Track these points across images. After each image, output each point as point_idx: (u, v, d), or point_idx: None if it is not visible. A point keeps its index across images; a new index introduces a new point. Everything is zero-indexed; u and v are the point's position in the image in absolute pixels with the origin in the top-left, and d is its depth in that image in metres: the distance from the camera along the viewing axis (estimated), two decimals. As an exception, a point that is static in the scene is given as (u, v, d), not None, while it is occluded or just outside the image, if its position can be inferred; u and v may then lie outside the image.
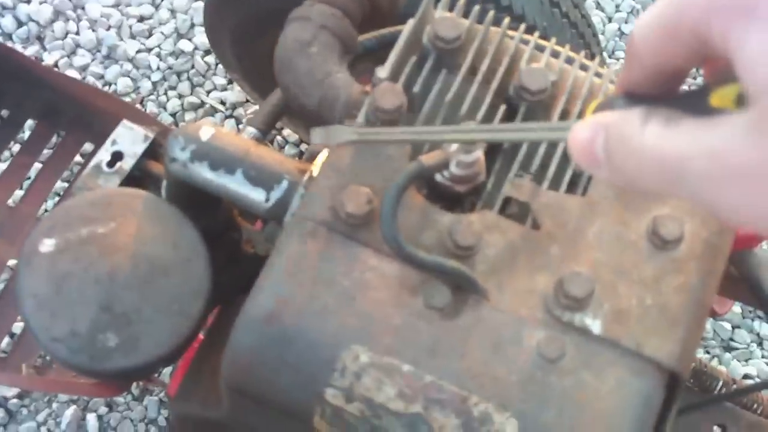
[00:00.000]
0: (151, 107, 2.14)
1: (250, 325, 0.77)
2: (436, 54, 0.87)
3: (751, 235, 0.93)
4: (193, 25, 2.23)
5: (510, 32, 0.91)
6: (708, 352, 2.07)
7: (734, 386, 1.32)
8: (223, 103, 2.16)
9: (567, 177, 0.83)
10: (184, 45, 2.20)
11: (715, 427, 1.39)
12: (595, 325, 0.77)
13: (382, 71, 0.85)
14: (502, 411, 0.75)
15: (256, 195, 0.88)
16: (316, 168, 0.84)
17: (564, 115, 0.86)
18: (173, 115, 2.14)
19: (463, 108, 0.84)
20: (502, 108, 0.85)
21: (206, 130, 0.89)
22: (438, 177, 0.81)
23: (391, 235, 0.75)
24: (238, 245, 1.03)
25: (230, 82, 2.16)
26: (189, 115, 2.13)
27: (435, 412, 0.75)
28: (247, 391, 0.79)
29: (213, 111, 2.14)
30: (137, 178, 1.02)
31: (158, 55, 2.20)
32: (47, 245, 0.87)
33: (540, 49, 0.91)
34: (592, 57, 1.55)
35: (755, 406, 1.37)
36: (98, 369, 0.87)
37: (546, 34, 1.44)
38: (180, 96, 2.16)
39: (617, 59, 2.31)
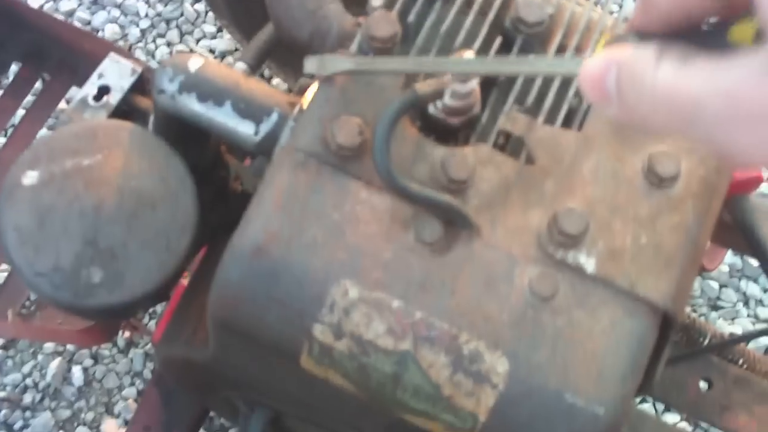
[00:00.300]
0: (139, 55, 2.11)
1: (238, 258, 0.75)
2: None
3: (745, 180, 0.92)
4: (182, -28, 2.20)
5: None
6: (695, 311, 2.07)
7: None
8: (212, 51, 2.13)
9: (563, 111, 0.81)
10: (174, -8, 2.17)
11: (701, 381, 1.38)
12: (589, 264, 0.76)
13: (376, 0, 0.83)
14: (492, 350, 0.73)
15: (245, 128, 0.85)
16: (306, 101, 0.82)
17: (561, 49, 0.84)
18: (162, 63, 2.11)
19: (458, 40, 0.82)
20: (498, 40, 0.83)
21: (195, 61, 0.86)
22: (431, 109, 0.79)
23: (383, 167, 0.73)
24: (226, 182, 1.01)
25: (220, 30, 2.13)
26: (177, 64, 2.10)
27: (424, 350, 0.73)
28: (233, 327, 0.78)
29: (202, 59, 2.11)
30: (124, 112, 0.99)
31: (147, 2, 2.16)
32: (30, 177, 0.85)
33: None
34: None
35: (740, 360, 1.37)
36: (82, 305, 0.85)
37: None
38: (169, 44, 2.13)
39: None
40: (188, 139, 0.91)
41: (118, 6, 2.15)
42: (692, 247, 0.78)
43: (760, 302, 2.08)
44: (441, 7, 0.84)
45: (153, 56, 2.11)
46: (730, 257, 2.08)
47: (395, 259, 0.75)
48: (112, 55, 0.99)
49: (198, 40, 2.14)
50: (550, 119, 0.81)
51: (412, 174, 0.77)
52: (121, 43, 2.12)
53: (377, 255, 0.74)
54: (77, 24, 2.11)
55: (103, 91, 0.99)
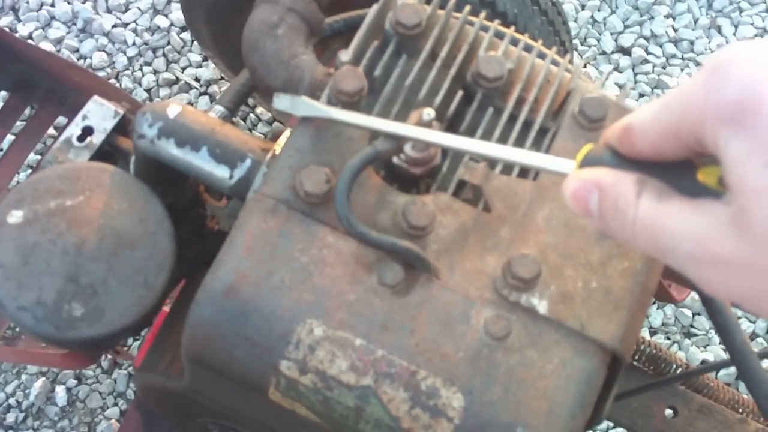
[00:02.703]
0: (126, 83, 2.16)
1: (210, 298, 0.80)
2: (397, 39, 0.89)
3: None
4: (169, 1, 2.25)
5: (472, 18, 0.93)
6: (669, 338, 2.12)
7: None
8: (197, 79, 2.18)
9: None
10: (161, 21, 2.22)
11: (667, 409, 1.43)
12: (542, 306, 0.81)
13: (345, 55, 0.87)
14: (449, 386, 0.78)
15: (220, 172, 0.90)
16: (279, 147, 0.87)
17: (519, 102, 0.89)
18: (148, 90, 2.16)
19: (422, 93, 0.87)
20: (460, 93, 0.88)
21: (173, 108, 0.91)
22: (395, 159, 0.84)
23: (344, 215, 0.78)
24: (203, 221, 1.06)
25: (205, 59, 2.18)
26: (164, 91, 2.15)
27: (384, 386, 0.78)
28: (205, 363, 0.82)
29: (188, 87, 2.16)
30: (107, 153, 1.04)
31: (134, 31, 2.22)
32: (15, 217, 0.90)
33: (500, 36, 0.94)
34: (561, 44, 1.58)
35: (705, 389, 1.41)
36: (63, 338, 0.90)
37: (516, 21, 1.47)
38: (155, 72, 2.18)
39: (589, 46, 2.34)
40: (167, 180, 0.96)
41: (106, 34, 2.20)
42: (640, 290, 0.83)
43: (729, 330, 2.12)
44: (406, 61, 0.89)
45: (140, 83, 2.16)
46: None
47: (358, 300, 0.79)
48: (96, 98, 1.04)
49: (184, 69, 2.19)
50: (507, 169, 0.86)
51: (376, 220, 0.82)
52: (108, 70, 2.17)
53: (342, 296, 0.79)
54: (65, 51, 2.16)
55: (87, 132, 1.04)
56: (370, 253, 0.81)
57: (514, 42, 0.93)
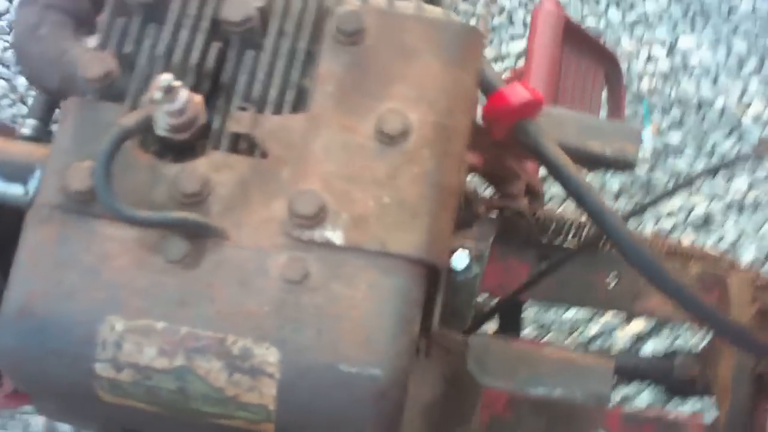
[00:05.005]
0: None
1: (7, 324, 0.78)
2: (142, 9, 0.86)
3: (524, 104, 0.93)
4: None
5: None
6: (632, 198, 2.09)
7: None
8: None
9: (290, 98, 0.84)
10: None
11: (609, 277, 1.40)
12: (336, 236, 0.78)
13: (92, 41, 0.85)
14: (260, 343, 0.76)
15: (15, 190, 0.88)
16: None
17: (280, 36, 0.85)
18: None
19: (175, 57, 0.84)
20: (216, 46, 0.85)
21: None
22: (159, 131, 0.81)
23: (108, 203, 0.76)
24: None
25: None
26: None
27: (197, 360, 0.77)
28: (29, 388, 0.81)
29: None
30: None
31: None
32: None
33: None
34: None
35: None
36: None
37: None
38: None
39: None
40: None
41: None
42: (436, 191, 0.81)
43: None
44: (156, 29, 0.86)
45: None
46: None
47: (150, 284, 0.78)
48: None
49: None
50: (278, 109, 0.83)
51: (153, 198, 0.80)
52: (12, 96, 2.15)
53: (133, 285, 0.78)
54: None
55: None
56: (152, 234, 0.79)
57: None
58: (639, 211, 1.34)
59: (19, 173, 0.88)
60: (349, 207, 0.79)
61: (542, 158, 0.95)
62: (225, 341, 0.77)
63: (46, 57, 0.91)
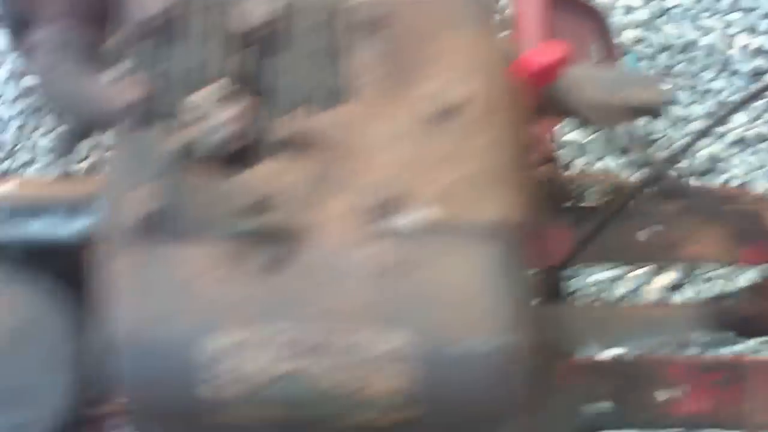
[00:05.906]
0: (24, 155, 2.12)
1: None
2: (160, 29, 0.84)
3: (547, 67, 0.92)
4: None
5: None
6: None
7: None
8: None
9: (330, 94, 0.83)
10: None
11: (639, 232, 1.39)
12: (415, 219, 0.78)
13: (116, 69, 0.84)
14: (372, 332, 0.76)
15: (75, 226, 0.89)
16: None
17: (307, 34, 0.84)
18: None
19: (209, 70, 0.83)
20: (247, 53, 0.83)
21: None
22: (209, 144, 0.79)
23: (186, 223, 0.77)
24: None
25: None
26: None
27: (309, 362, 0.76)
28: (140, 415, 0.81)
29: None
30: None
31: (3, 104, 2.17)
32: None
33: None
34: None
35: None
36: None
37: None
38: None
39: None
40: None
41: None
42: (510, 153, 0.81)
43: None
44: (181, 46, 0.84)
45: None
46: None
47: (242, 296, 0.77)
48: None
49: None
50: (321, 106, 0.82)
51: (219, 212, 0.79)
52: None
53: (225, 299, 0.77)
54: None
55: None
56: (231, 246, 0.78)
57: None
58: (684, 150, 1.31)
59: (75, 210, 0.88)
60: (424, 189, 0.79)
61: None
62: (331, 339, 0.76)
63: (77, 94, 0.90)
